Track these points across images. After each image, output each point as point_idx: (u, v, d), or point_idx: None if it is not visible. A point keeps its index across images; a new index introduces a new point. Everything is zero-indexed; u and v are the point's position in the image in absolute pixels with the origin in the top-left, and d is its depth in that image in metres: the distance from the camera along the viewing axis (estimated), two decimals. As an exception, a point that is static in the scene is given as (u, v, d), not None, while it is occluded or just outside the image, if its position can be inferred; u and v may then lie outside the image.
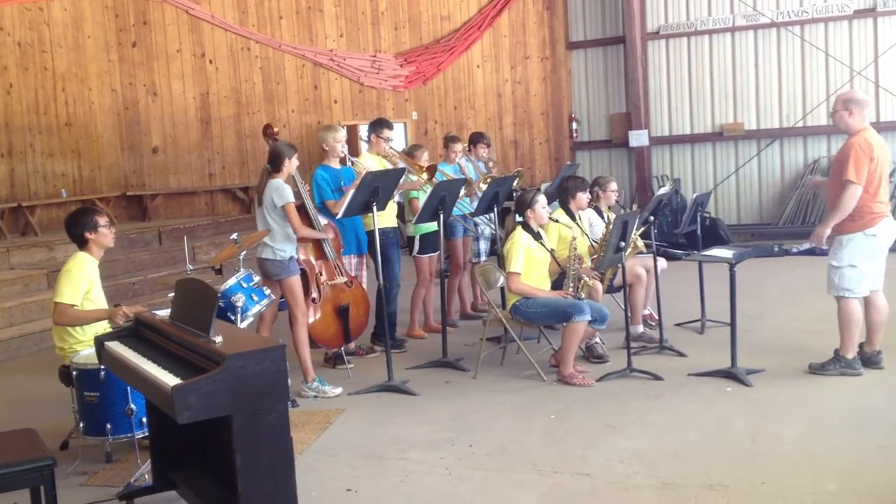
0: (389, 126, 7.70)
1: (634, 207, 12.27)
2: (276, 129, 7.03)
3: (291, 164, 6.33)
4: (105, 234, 5.33)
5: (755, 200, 13.29)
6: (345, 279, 6.91)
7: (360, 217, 6.99)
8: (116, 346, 4.37)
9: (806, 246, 11.49)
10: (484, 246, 8.67)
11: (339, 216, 6.61)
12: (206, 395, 3.45)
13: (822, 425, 5.17)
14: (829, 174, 6.28)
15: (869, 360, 6.16)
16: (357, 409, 6.01)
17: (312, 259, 6.76)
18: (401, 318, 7.95)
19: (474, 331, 7.75)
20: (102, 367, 4.70)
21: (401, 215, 8.46)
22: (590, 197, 7.47)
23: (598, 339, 6.88)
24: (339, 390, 6.38)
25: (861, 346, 6.28)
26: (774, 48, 12.96)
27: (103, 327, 5.18)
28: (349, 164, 7.28)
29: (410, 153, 7.93)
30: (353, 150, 12.89)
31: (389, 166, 7.35)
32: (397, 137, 12.84)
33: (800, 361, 6.43)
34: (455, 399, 6.16)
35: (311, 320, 6.60)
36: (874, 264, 6.00)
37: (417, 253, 7.97)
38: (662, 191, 7.89)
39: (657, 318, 7.37)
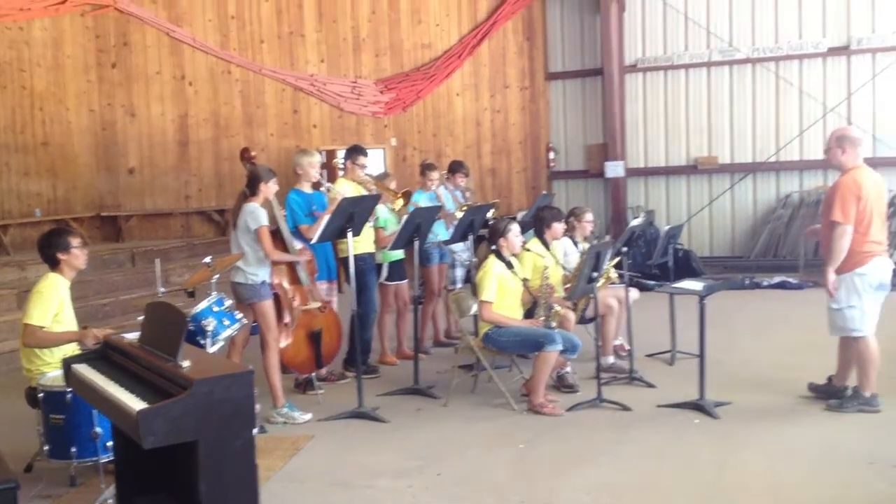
0: (364, 153, 7.74)
1: (608, 238, 12.36)
2: (253, 153, 7.04)
3: (268, 189, 6.34)
4: (77, 255, 5.32)
5: (728, 233, 13.42)
6: (318, 304, 6.91)
7: (329, 242, 7.00)
8: (83, 369, 4.34)
9: (777, 279, 11.62)
10: (460, 273, 8.71)
11: (313, 241, 6.62)
12: (171, 420, 3.44)
13: (787, 459, 5.22)
14: (822, 215, 6.26)
15: (836, 394, 6.21)
16: (326, 435, 6.00)
17: (286, 284, 6.75)
18: (374, 345, 7.95)
19: (447, 358, 7.77)
20: (69, 389, 4.67)
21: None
22: (565, 227, 7.53)
23: (568, 369, 6.91)
24: (308, 416, 6.37)
25: (830, 377, 6.33)
26: (749, 83, 13.14)
27: (71, 349, 5.15)
28: (322, 189, 7.30)
29: (379, 180, 7.96)
30: (332, 175, 12.97)
31: (365, 192, 7.38)
32: (376, 163, 12.89)
33: (768, 395, 6.51)
34: (425, 427, 6.16)
35: (282, 345, 6.58)
36: (874, 301, 5.94)
37: (385, 280, 7.99)
38: (635, 222, 7.96)
39: (628, 348, 7.42)
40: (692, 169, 13.51)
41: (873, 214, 5.86)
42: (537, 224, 7.43)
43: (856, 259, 5.87)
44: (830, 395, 6.23)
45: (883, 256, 5.96)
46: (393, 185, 8.10)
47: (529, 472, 5.19)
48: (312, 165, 7.09)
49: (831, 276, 5.92)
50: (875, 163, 12.18)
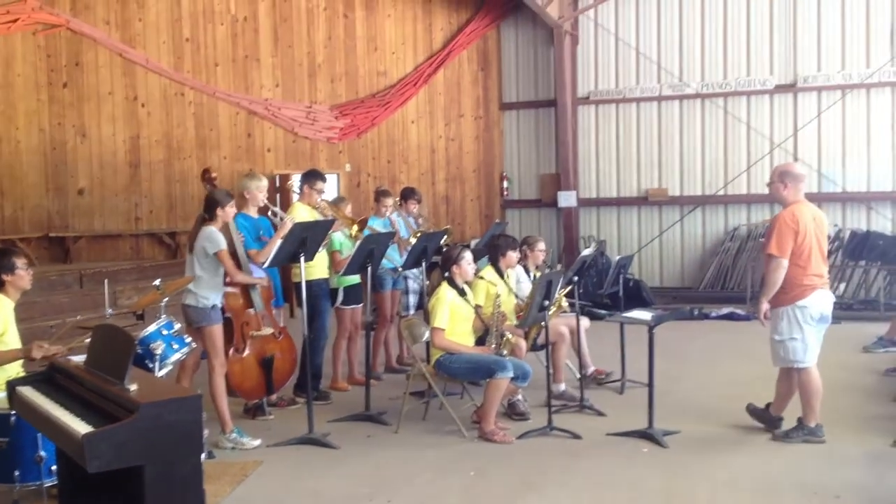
0: (322, 178, 7.73)
1: (559, 267, 12.47)
2: (214, 175, 6.93)
3: (226, 213, 6.28)
4: (22, 275, 5.24)
5: (677, 264, 13.64)
6: (271, 330, 6.85)
7: (276, 269, 6.96)
8: (28, 392, 4.28)
9: (725, 311, 11.79)
10: (413, 300, 8.71)
11: (265, 265, 6.58)
12: (117, 444, 3.40)
13: (733, 489, 5.28)
14: (762, 248, 6.43)
15: (770, 422, 6.34)
16: (275, 461, 5.94)
17: (239, 308, 6.69)
18: (326, 371, 7.90)
19: (399, 384, 7.75)
20: (13, 412, 4.58)
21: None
22: (519, 255, 7.59)
23: (520, 397, 6.93)
24: (257, 442, 6.29)
25: (768, 405, 6.44)
26: (698, 118, 13.43)
27: (16, 371, 5.06)
28: (270, 214, 7.24)
29: (335, 205, 7.95)
30: (286, 198, 12.90)
31: (321, 217, 7.36)
32: (331, 189, 12.89)
33: (715, 424, 6.59)
34: (376, 453, 6.13)
35: (227, 370, 6.47)
36: (816, 332, 6.04)
37: (341, 304, 7.96)
38: (586, 252, 8.05)
39: (603, 371, 7.70)
40: (643, 200, 13.72)
41: (812, 248, 5.99)
42: (492, 252, 7.47)
43: (797, 292, 5.99)
44: (765, 420, 6.37)
45: (824, 289, 6.10)
46: (348, 210, 8.09)
47: (479, 499, 5.19)
48: (260, 190, 7.01)
49: (764, 305, 6.08)
50: (820, 198, 12.55)
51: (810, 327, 6.00)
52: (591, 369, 7.71)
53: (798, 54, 12.87)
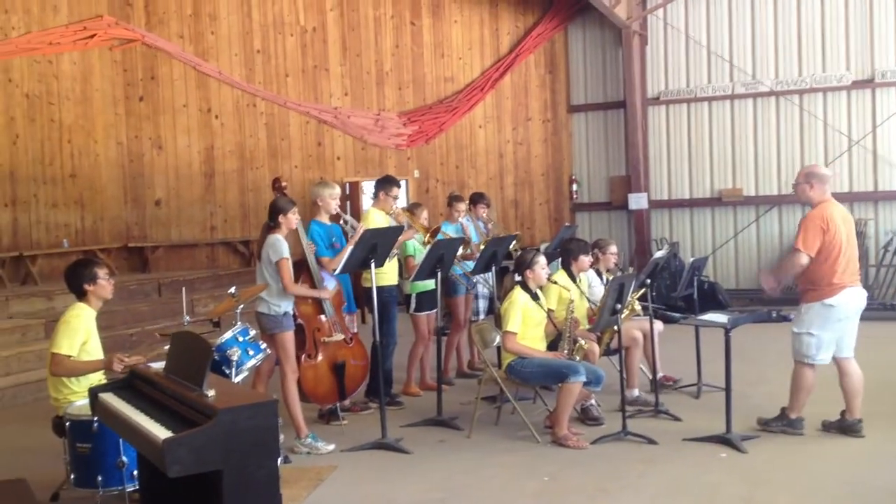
0: (397, 184, 7.78)
1: (631, 270, 12.33)
2: (284, 183, 7.01)
3: (289, 220, 6.35)
4: (104, 285, 5.36)
5: (754, 265, 13.32)
6: (342, 336, 6.90)
7: (347, 275, 7.01)
8: (110, 398, 4.37)
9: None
10: (483, 304, 8.69)
11: (336, 272, 6.63)
12: (196, 449, 3.45)
13: (815, 493, 5.14)
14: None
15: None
16: (350, 466, 5.98)
17: (311, 314, 6.76)
18: (397, 375, 7.94)
19: (470, 389, 7.73)
20: (95, 418, 4.69)
21: (399, 272, 8.49)
22: (592, 259, 7.52)
23: (593, 402, 6.86)
24: (332, 447, 6.35)
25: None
26: (773, 116, 13.13)
27: (98, 378, 5.19)
28: (342, 222, 7.29)
29: (410, 211, 7.99)
30: (356, 205, 13.03)
31: (394, 223, 7.40)
32: (400, 195, 12.98)
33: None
34: (448, 458, 6.13)
35: (300, 376, 6.53)
36: (834, 333, 6.09)
37: (415, 311, 7.97)
38: (659, 254, 7.93)
39: (672, 378, 7.60)
40: (717, 201, 13.48)
41: (842, 246, 6.02)
42: (564, 256, 7.41)
43: (826, 290, 6.03)
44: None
45: (854, 286, 6.14)
46: (424, 216, 8.09)
47: (554, 505, 5.15)
48: (333, 197, 7.05)
49: (771, 281, 6.35)
50: (878, 196, 12.24)
51: (831, 326, 6.06)
52: (659, 375, 7.58)
53: (875, 49, 12.50)
